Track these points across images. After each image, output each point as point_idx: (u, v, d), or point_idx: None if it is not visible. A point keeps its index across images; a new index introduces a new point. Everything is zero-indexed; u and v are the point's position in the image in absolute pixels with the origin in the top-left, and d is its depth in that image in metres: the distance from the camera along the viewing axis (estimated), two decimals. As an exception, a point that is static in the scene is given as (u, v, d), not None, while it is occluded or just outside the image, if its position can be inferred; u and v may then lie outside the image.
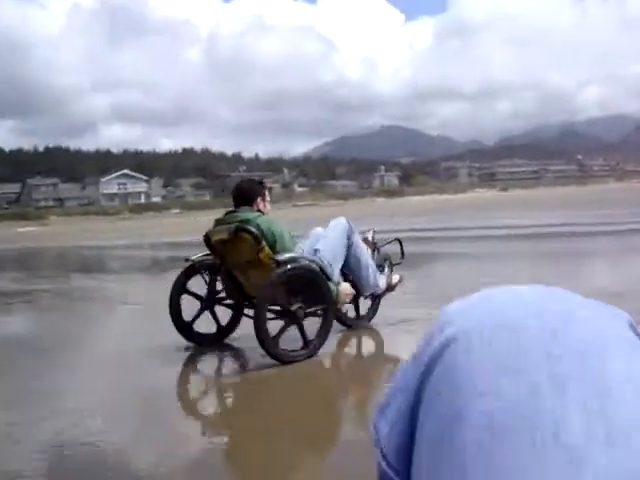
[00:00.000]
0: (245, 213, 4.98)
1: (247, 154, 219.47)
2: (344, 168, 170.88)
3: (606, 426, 0.38)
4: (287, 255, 4.75)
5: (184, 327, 5.34)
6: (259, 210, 5.08)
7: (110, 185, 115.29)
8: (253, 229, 4.74)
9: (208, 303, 5.43)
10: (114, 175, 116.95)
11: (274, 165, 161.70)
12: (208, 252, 5.21)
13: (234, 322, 5.46)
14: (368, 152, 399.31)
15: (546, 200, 43.44)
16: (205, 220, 8.18)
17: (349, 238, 5.27)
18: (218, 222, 5.11)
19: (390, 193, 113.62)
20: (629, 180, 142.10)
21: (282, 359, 4.62)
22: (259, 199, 5.15)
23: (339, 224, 5.32)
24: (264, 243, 4.72)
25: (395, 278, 5.81)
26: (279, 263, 4.66)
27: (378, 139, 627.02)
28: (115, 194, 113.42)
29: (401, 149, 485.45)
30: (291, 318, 4.72)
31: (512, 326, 0.44)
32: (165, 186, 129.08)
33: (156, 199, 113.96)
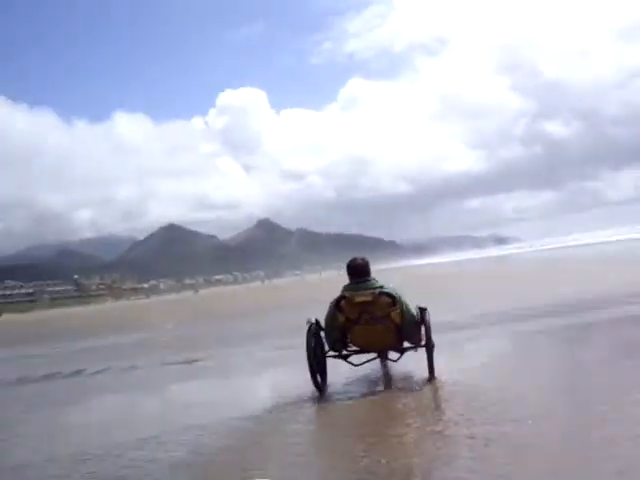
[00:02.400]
0: (378, 282, 6.75)
1: None
2: None
3: None
4: (416, 312, 6.77)
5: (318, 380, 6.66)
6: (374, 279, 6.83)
7: None
8: (393, 294, 6.62)
9: (323, 357, 6.86)
10: None
11: None
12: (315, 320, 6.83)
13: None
14: None
15: (38, 326, 41.37)
16: None
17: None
18: (353, 289, 6.70)
19: None
20: (127, 298, 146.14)
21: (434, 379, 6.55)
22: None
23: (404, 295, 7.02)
24: (398, 306, 6.60)
25: None
26: (419, 319, 6.71)
27: None
28: None
29: None
30: (429, 349, 6.62)
31: None
32: None
33: None
